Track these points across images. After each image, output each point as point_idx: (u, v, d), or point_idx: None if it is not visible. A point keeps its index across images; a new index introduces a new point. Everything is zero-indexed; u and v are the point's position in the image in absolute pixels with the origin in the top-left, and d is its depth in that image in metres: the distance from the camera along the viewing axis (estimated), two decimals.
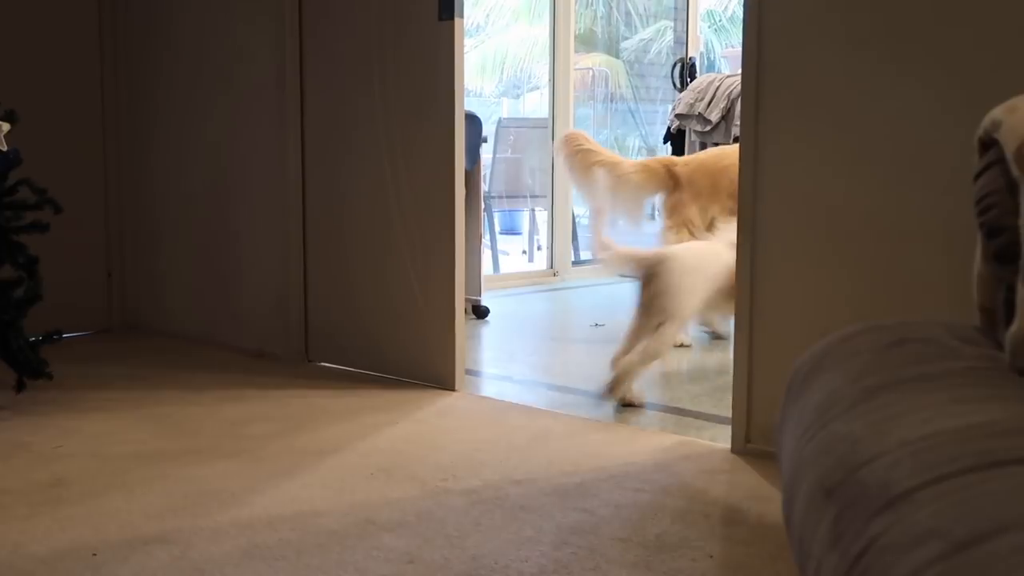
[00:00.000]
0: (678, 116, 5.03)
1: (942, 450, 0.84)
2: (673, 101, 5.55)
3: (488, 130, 5.91)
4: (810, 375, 1.16)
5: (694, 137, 4.97)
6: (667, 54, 9.69)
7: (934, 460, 0.82)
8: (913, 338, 1.13)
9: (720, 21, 11.93)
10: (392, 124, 3.58)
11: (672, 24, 9.46)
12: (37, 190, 3.17)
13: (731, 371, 2.88)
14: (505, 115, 11.49)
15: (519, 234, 8.67)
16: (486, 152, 6.05)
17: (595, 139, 4.51)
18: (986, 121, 1.24)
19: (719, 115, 4.78)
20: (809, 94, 2.64)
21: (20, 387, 3.21)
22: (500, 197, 6.81)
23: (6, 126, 3.10)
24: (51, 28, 4.28)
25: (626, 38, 10.11)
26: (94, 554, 2.12)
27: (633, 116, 9.90)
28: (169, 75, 4.33)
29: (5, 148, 3.10)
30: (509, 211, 8.28)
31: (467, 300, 4.68)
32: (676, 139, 5.10)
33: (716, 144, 4.88)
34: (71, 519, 2.32)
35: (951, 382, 1.01)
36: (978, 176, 1.23)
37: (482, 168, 5.34)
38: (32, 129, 3.41)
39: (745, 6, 2.75)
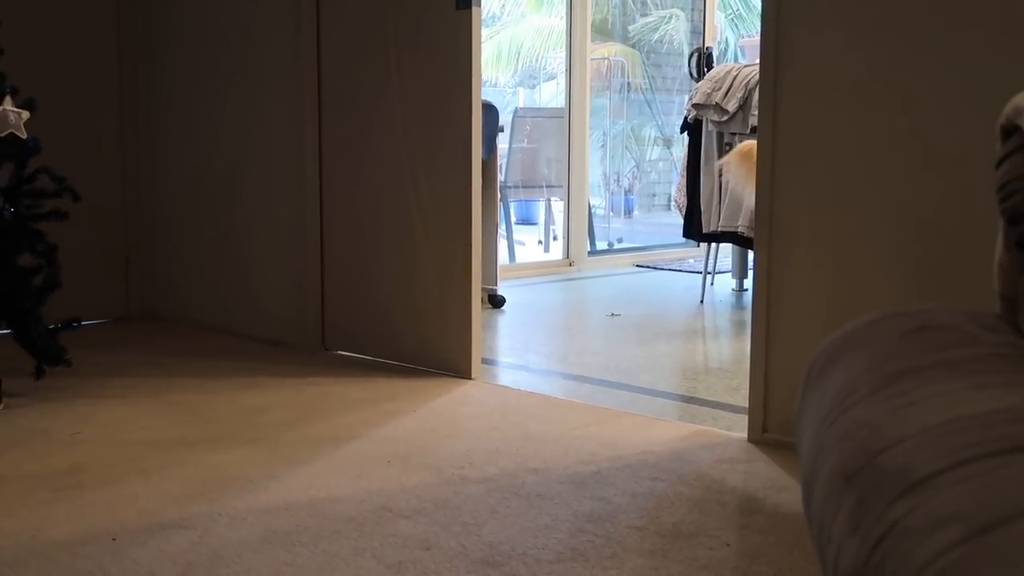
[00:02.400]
0: (695, 106, 5.01)
1: (964, 435, 0.84)
2: (690, 91, 5.54)
3: (504, 120, 5.91)
4: (830, 362, 1.16)
5: (711, 127, 4.95)
6: (678, 41, 9.66)
7: (956, 445, 0.82)
8: (933, 325, 1.12)
9: (737, 10, 11.87)
10: (409, 112, 3.58)
11: (682, 13, 9.43)
12: (56, 178, 3.18)
13: (747, 360, 2.88)
14: (521, 105, 11.48)
15: (535, 224, 8.67)
16: (502, 142, 6.05)
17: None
18: (1008, 108, 1.23)
19: (736, 105, 4.76)
20: (828, 83, 2.63)
21: (39, 374, 3.23)
22: (516, 187, 6.81)
23: (25, 114, 3.12)
24: (69, 17, 4.29)
25: (635, 23, 10.07)
26: (114, 539, 2.13)
27: (649, 106, 9.88)
28: (187, 64, 4.34)
29: (24, 136, 3.11)
30: (525, 201, 8.27)
31: (483, 289, 4.68)
32: (694, 129, 5.09)
33: (733, 135, 4.87)
34: (91, 505, 2.34)
35: (972, 368, 1.01)
36: (1000, 163, 1.23)
37: (498, 158, 5.33)
38: (50, 117, 3.42)
39: None
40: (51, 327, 3.25)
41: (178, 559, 2.03)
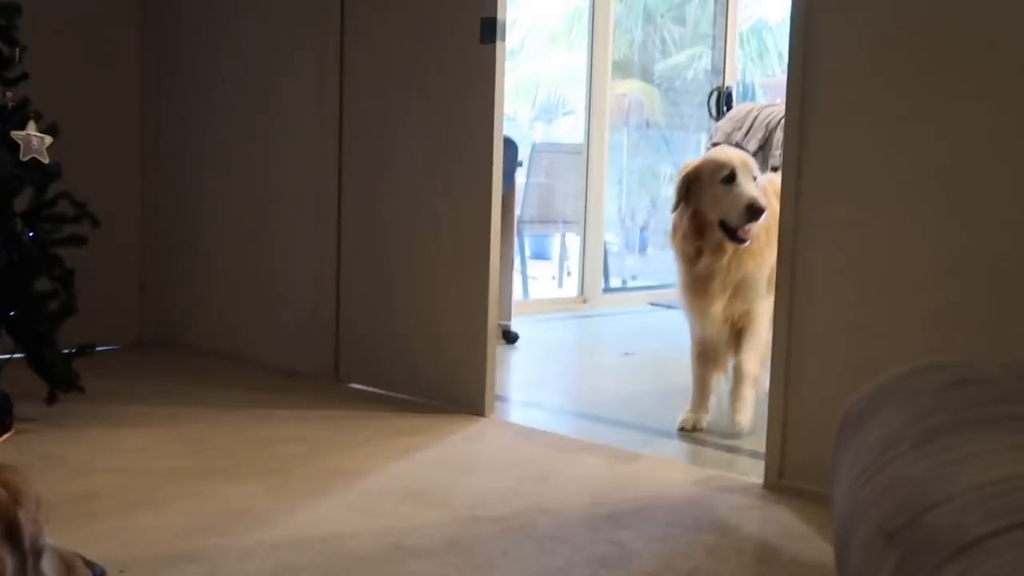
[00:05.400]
0: (714, 145, 5.00)
1: (1012, 496, 0.81)
2: (709, 129, 5.53)
3: (522, 154, 5.91)
4: (865, 413, 1.13)
5: None
6: (703, 80, 9.65)
7: (1005, 507, 0.79)
8: (974, 379, 1.10)
9: (758, 49, 11.86)
10: (431, 146, 3.58)
11: (708, 51, 9.43)
12: (76, 203, 3.18)
13: (765, 404, 2.84)
14: (539, 140, 11.48)
15: (548, 259, 8.63)
16: (520, 176, 6.04)
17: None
18: None
19: (756, 145, 4.75)
20: (853, 124, 2.61)
21: (52, 399, 3.21)
22: (532, 222, 6.79)
23: (48, 139, 3.12)
24: (92, 44, 4.31)
25: (660, 62, 10.07)
26: (121, 571, 2.10)
27: (666, 143, 9.87)
28: (210, 90, 4.35)
29: (46, 161, 3.11)
30: (540, 235, 8.24)
31: (498, 325, 4.65)
32: None
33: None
34: (101, 534, 2.31)
35: (1014, 425, 0.98)
36: None
37: (516, 192, 5.32)
38: (72, 143, 3.41)
39: (791, 33, 2.72)
40: (65, 352, 3.23)
41: None
